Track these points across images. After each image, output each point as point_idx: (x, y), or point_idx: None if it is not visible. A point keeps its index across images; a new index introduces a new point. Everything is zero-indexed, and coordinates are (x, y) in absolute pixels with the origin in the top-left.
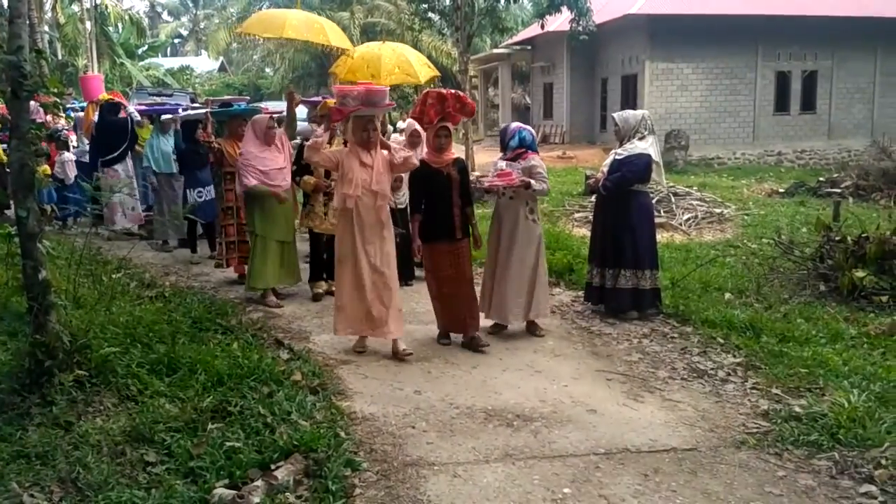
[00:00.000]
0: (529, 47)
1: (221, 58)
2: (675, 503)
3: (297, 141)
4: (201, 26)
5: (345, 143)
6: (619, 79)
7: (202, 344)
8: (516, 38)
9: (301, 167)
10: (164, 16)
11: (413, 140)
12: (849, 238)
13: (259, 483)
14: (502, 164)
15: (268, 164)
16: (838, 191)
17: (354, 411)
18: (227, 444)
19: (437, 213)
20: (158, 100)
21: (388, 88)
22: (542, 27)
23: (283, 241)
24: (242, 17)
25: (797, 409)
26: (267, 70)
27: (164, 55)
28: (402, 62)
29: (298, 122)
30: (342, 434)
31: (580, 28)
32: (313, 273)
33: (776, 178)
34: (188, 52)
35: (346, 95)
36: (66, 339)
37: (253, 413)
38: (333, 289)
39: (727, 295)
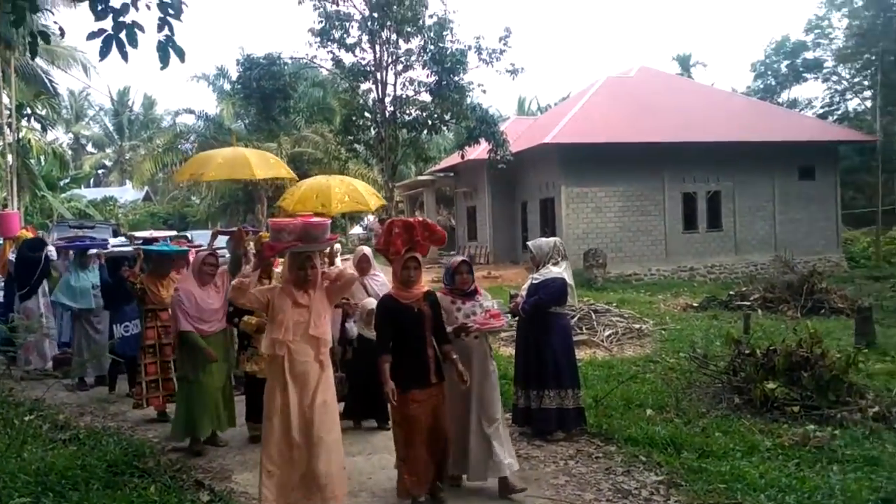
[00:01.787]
0: (452, 174)
1: (146, 188)
2: None
3: None
4: (126, 157)
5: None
6: (537, 202)
7: (117, 489)
8: (440, 166)
9: (237, 307)
10: (89, 147)
11: (362, 267)
12: (758, 351)
13: None
14: (489, 303)
15: (202, 305)
16: (748, 303)
17: None
18: None
19: (408, 355)
20: (80, 232)
21: (330, 222)
22: (463, 157)
23: (214, 387)
24: (168, 147)
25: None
26: (193, 199)
27: (88, 186)
28: (351, 191)
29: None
30: None
31: (498, 157)
32: (251, 413)
33: (690, 292)
34: (112, 183)
35: (282, 230)
36: None
37: None
38: None
39: (648, 411)
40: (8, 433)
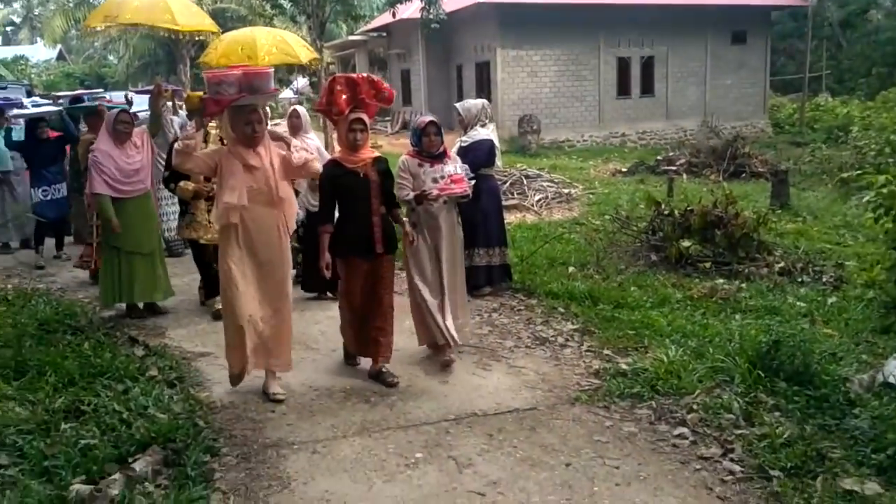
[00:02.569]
0: (385, 34)
1: (59, 46)
2: (515, 457)
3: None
4: (36, 13)
5: (221, 142)
6: (473, 65)
7: (51, 346)
8: (371, 25)
9: (174, 171)
10: None
11: (293, 124)
12: (676, 212)
13: (117, 476)
14: (451, 167)
15: (122, 165)
16: (674, 168)
17: (213, 401)
18: (82, 442)
19: (353, 223)
20: None
21: (272, 70)
22: (394, 15)
23: (139, 253)
24: (80, 2)
25: (624, 366)
26: (110, 58)
27: None
28: (279, 42)
29: (140, 114)
30: (201, 423)
31: (431, 16)
32: (208, 288)
33: (620, 158)
34: (22, 41)
35: (221, 82)
36: None
37: (108, 410)
38: None
39: (570, 268)
40: None
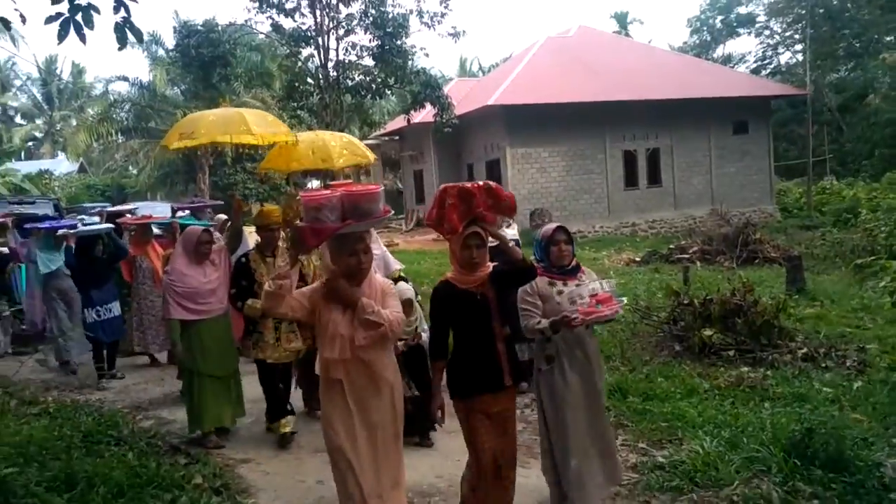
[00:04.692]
0: (398, 137)
1: (81, 159)
2: None
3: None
4: (57, 128)
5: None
6: (483, 164)
7: (97, 457)
8: (385, 130)
9: (241, 288)
10: (17, 119)
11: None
12: (696, 301)
13: None
14: (595, 284)
15: (198, 285)
16: (687, 256)
17: None
18: None
19: (474, 353)
20: (20, 209)
21: (381, 189)
22: (409, 122)
23: (222, 376)
24: (103, 117)
25: (661, 459)
26: (131, 169)
27: (19, 159)
28: (347, 143)
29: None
30: None
31: (443, 121)
32: (273, 411)
33: (632, 247)
34: (44, 155)
35: (322, 206)
36: None
37: None
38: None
39: None
40: None
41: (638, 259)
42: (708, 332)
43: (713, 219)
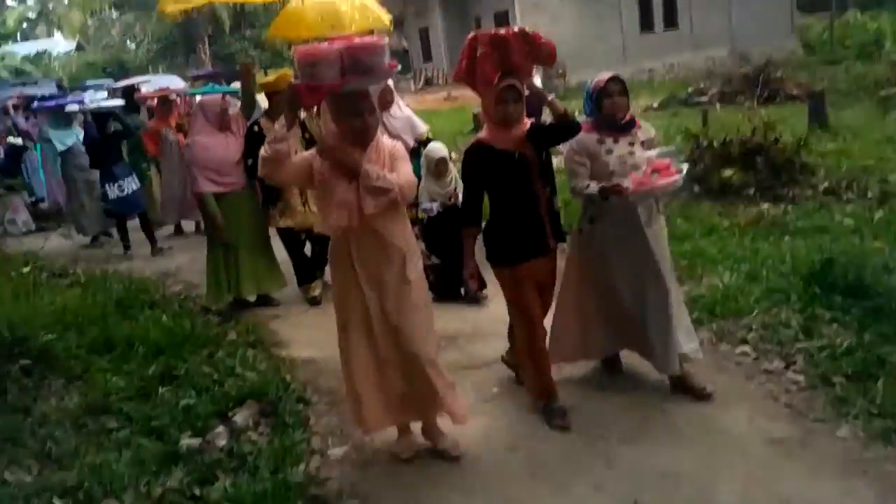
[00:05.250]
0: None
1: (77, 37)
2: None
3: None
4: (50, 7)
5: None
6: (491, 16)
7: (133, 320)
8: None
9: (257, 158)
10: (9, 1)
11: (384, 99)
12: (714, 143)
13: (221, 429)
14: (651, 152)
15: (220, 157)
16: (705, 99)
17: (294, 358)
18: (182, 402)
19: (516, 218)
20: (24, 90)
21: (386, 41)
22: None
23: (253, 247)
24: None
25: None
26: (129, 44)
27: (15, 41)
28: (359, 7)
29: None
30: (288, 377)
31: None
32: (302, 275)
33: (650, 93)
34: (39, 36)
35: (318, 62)
36: (4, 332)
37: (199, 373)
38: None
39: None
40: (11, 284)
41: (656, 105)
42: (728, 172)
43: (733, 59)
